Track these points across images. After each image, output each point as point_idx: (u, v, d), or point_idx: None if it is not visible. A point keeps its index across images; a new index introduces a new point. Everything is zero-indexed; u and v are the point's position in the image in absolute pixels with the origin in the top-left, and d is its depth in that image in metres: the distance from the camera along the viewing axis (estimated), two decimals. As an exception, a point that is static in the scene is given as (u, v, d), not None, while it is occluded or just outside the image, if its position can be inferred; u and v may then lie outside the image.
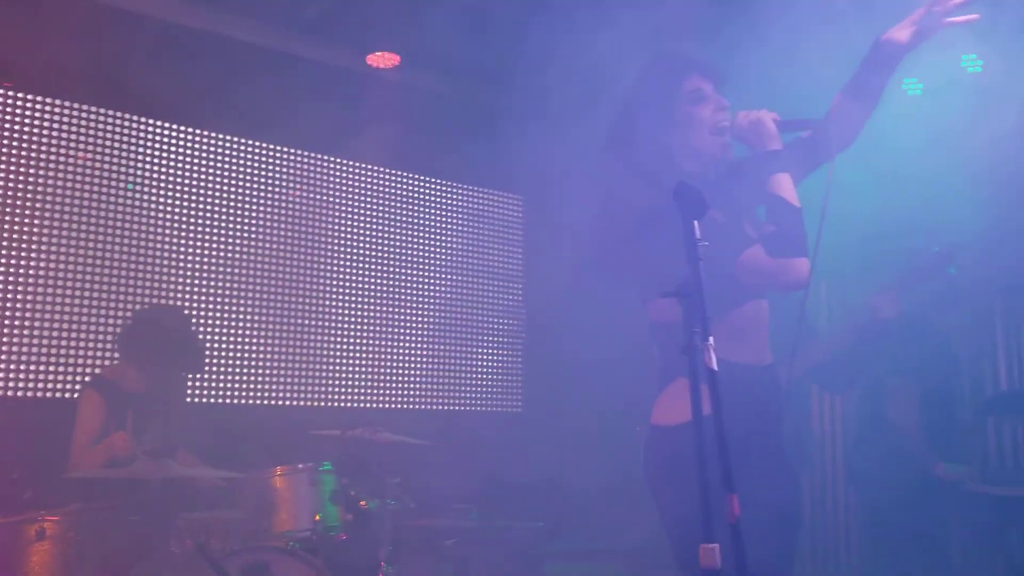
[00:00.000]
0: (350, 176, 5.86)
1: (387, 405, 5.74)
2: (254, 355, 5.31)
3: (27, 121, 4.77)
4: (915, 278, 3.68)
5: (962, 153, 4.83)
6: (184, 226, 5.20)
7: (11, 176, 4.70)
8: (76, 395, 4.42)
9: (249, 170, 5.46)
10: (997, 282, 4.92)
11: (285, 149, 5.61)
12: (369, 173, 5.94)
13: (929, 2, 2.40)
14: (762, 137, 2.42)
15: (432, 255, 6.14)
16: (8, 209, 4.67)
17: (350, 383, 5.64)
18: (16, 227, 4.68)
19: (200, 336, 5.08)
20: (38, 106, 4.82)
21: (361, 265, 5.80)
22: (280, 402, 5.36)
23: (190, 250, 5.19)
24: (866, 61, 2.49)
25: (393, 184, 6.04)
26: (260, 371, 5.32)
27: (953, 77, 4.89)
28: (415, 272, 6.03)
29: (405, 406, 5.84)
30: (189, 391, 5.02)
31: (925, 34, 2.42)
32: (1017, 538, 4.65)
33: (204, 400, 5.13)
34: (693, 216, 2.09)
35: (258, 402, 5.29)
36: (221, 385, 5.19)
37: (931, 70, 5.00)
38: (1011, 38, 3.97)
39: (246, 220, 5.40)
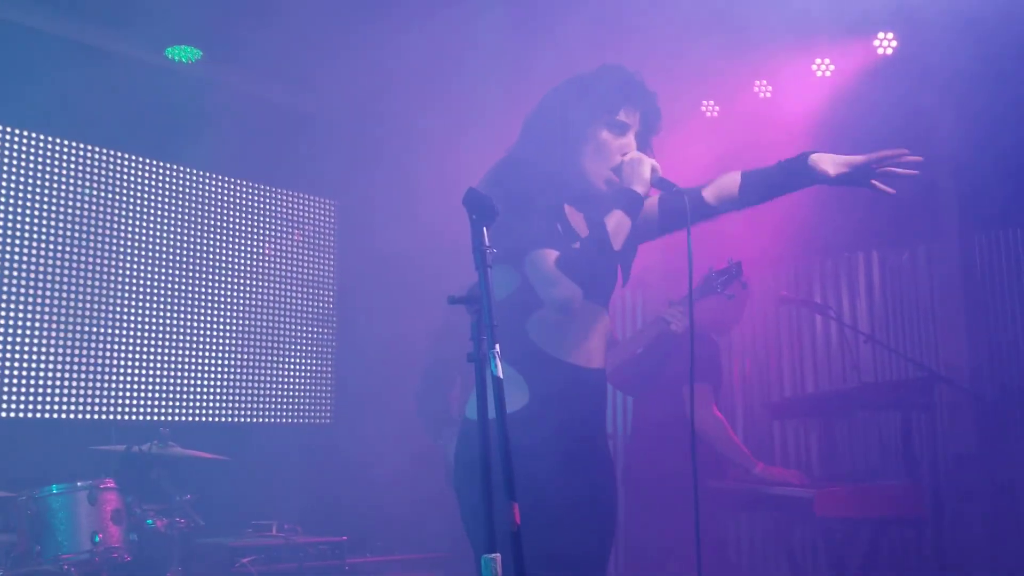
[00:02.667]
0: (148, 174, 5.52)
1: (180, 418, 5.44)
2: (28, 363, 4.89)
3: None
4: (705, 290, 3.85)
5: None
6: (-46, 224, 4.74)
7: None
8: None
9: (35, 165, 5.05)
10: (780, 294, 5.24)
11: (74, 144, 5.23)
12: (169, 172, 5.62)
13: (872, 159, 2.44)
14: (634, 176, 2.46)
15: (237, 259, 5.88)
16: None
17: (139, 394, 5.28)
18: None
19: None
20: None
21: (157, 268, 5.47)
22: (59, 415, 4.95)
23: (-40, 250, 4.74)
24: (783, 168, 2.53)
25: (196, 184, 5.75)
26: (35, 380, 4.90)
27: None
28: (218, 277, 5.76)
29: (201, 419, 5.54)
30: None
31: (850, 180, 2.47)
32: (799, 535, 4.96)
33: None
34: (483, 223, 2.08)
35: (33, 415, 4.87)
36: (-6, 397, 4.76)
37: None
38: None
39: (25, 217, 4.99)
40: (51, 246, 5.05)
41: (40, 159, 5.08)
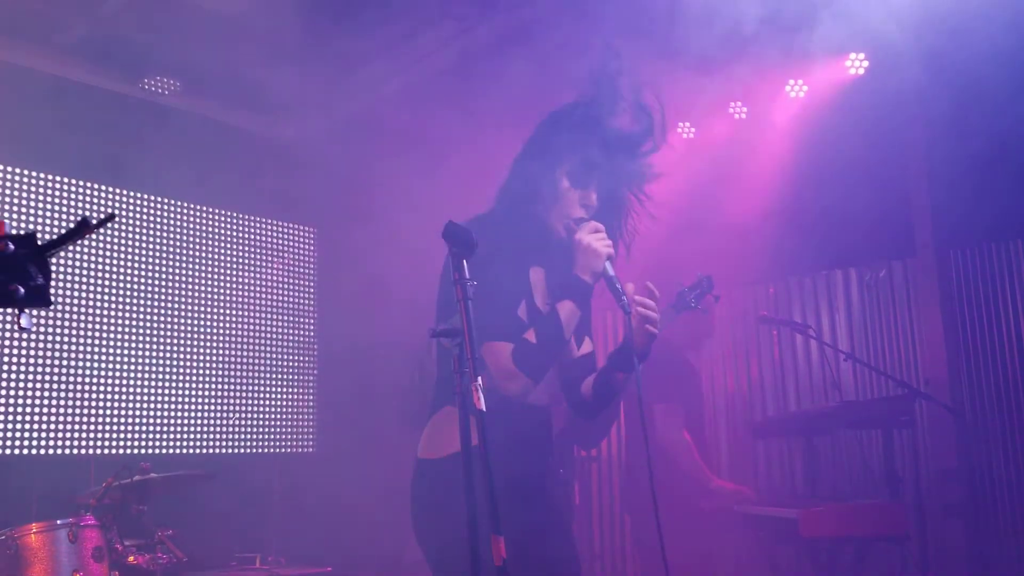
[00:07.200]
0: (127, 206, 5.50)
1: (161, 451, 5.39)
2: (6, 400, 4.83)
3: None
4: (680, 306, 3.91)
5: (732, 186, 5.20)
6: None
7: None
8: None
9: (15, 198, 5.02)
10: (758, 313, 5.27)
11: (54, 177, 5.19)
12: (147, 203, 5.60)
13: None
14: (586, 266, 2.42)
15: (217, 289, 5.85)
16: None
17: (119, 428, 5.22)
18: None
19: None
20: None
21: (136, 299, 5.43)
22: (37, 451, 4.89)
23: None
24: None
25: (174, 214, 5.72)
26: (14, 417, 4.84)
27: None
28: (198, 306, 5.73)
29: (182, 451, 5.49)
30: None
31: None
32: (784, 554, 4.95)
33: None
34: (463, 255, 2.09)
35: (11, 452, 4.81)
36: (-28, 434, 4.70)
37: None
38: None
39: (5, 253, 4.95)
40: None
41: (12, 191, 5.04)
